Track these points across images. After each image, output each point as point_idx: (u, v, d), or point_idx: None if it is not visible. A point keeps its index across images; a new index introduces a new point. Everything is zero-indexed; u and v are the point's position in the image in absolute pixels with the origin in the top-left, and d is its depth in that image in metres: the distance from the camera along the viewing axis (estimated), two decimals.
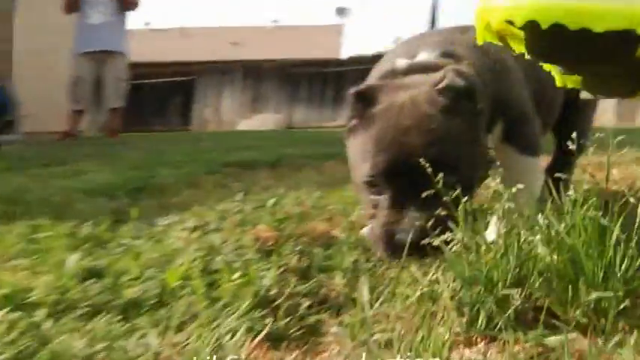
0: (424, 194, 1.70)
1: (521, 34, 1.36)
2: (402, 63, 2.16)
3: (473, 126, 1.93)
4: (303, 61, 23.41)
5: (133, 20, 18.51)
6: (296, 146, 6.75)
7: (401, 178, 1.83)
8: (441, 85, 1.89)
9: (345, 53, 30.60)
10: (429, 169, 1.66)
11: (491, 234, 1.77)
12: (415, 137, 1.83)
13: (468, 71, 1.97)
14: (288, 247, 2.21)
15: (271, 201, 3.06)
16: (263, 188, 3.88)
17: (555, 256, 1.49)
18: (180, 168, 5.13)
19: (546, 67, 1.56)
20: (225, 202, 3.23)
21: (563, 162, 2.90)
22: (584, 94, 1.78)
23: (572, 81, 1.55)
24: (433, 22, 45.28)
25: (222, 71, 23.48)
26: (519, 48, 1.44)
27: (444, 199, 1.64)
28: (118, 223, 2.94)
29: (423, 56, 2.15)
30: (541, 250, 1.51)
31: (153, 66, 23.97)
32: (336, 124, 21.35)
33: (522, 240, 1.57)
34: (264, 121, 20.50)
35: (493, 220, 2.00)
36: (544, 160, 2.79)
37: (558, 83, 1.61)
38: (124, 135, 10.72)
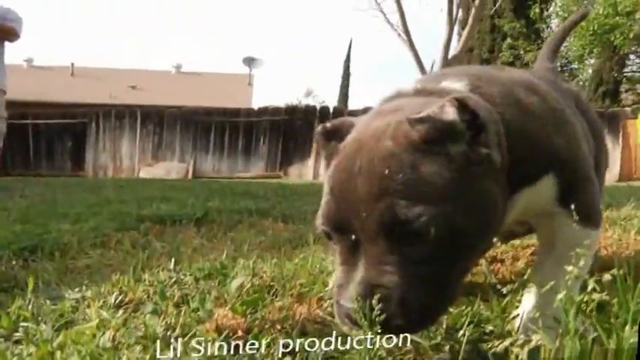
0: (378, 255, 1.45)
1: None
2: (409, 86, 1.83)
3: (465, 175, 1.47)
4: (210, 110, 23.14)
5: (12, 54, 17.65)
6: (218, 199, 6.22)
7: (350, 233, 1.49)
8: (418, 115, 1.49)
9: (255, 103, 30.84)
10: (384, 226, 1.42)
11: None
12: (366, 182, 1.46)
13: (479, 102, 1.54)
14: (264, 338, 1.71)
15: (218, 270, 2.48)
16: (196, 251, 3.29)
17: None
18: (83, 222, 4.50)
19: None
20: (152, 270, 2.60)
21: None
22: None
23: None
24: (347, 74, 46.66)
25: (119, 115, 22.85)
26: None
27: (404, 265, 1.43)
28: (4, 295, 2.41)
29: (444, 84, 1.78)
30: None
31: (39, 106, 23.34)
32: (248, 175, 21.09)
33: None
34: (168, 169, 20.02)
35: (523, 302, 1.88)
36: None
37: None
38: (6, 179, 9.89)
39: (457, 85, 1.73)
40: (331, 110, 24.01)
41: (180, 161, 22.25)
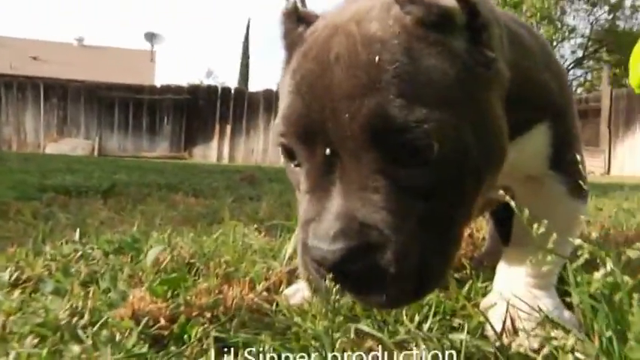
0: (367, 175, 1.02)
1: None
2: None
3: (471, 78, 1.08)
4: (114, 85, 22.33)
5: None
6: (125, 173, 5.78)
7: (323, 144, 1.05)
8: None
9: (158, 81, 30.19)
10: (373, 133, 1.00)
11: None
12: (348, 73, 1.03)
13: (493, 8, 1.18)
14: (194, 330, 1.34)
15: (129, 244, 2.11)
16: (104, 224, 2.89)
17: None
18: None
19: None
20: (55, 242, 2.20)
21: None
22: None
23: None
24: (246, 55, 45.97)
25: (21, 87, 21.75)
26: None
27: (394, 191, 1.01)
28: None
29: None
30: None
31: None
32: (154, 155, 20.45)
33: None
34: (74, 146, 19.23)
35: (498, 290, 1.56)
36: None
37: None
38: None
39: None
40: (232, 91, 23.50)
41: (86, 138, 21.37)
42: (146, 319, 1.34)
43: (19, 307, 1.50)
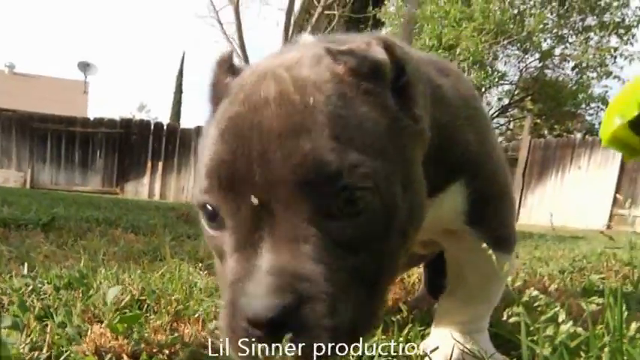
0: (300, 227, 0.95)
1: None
2: (309, 37, 1.38)
3: (399, 130, 1.07)
4: (47, 117, 21.81)
5: None
6: (63, 207, 5.69)
7: (249, 193, 0.97)
8: (341, 47, 1.08)
9: (90, 112, 29.65)
10: (306, 178, 0.93)
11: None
12: (279, 114, 0.98)
13: (405, 52, 1.15)
14: None
15: (78, 280, 2.12)
16: (48, 258, 2.87)
17: None
18: None
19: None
20: (3, 276, 2.19)
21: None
22: None
23: None
24: (179, 90, 45.59)
25: None
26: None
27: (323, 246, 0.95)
28: None
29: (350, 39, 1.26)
30: None
31: None
32: (86, 189, 20.04)
33: None
34: (6, 177, 18.70)
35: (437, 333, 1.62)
36: None
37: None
38: None
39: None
40: (165, 127, 23.32)
41: (18, 170, 20.75)
42: (109, 355, 1.35)
43: None
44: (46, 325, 1.65)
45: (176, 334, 1.57)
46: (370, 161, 0.96)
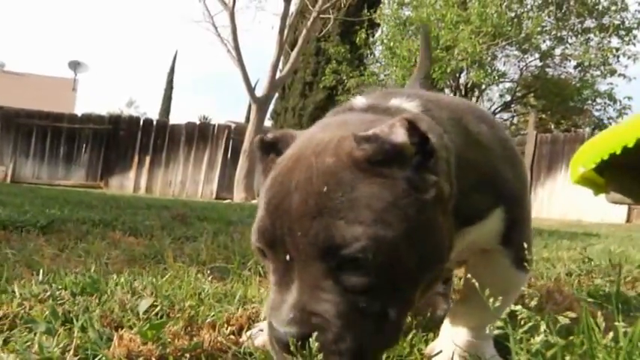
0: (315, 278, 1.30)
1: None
2: (361, 101, 1.67)
3: (409, 201, 1.33)
4: (33, 113, 21.90)
5: None
6: (57, 208, 5.80)
7: (284, 251, 1.34)
8: (365, 133, 1.35)
9: (79, 110, 29.64)
10: (319, 248, 1.28)
11: None
12: (302, 199, 1.32)
13: (431, 125, 1.42)
14: None
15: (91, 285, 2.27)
16: (53, 262, 3.01)
17: None
18: None
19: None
20: (19, 281, 2.34)
21: None
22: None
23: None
24: (170, 86, 45.70)
25: None
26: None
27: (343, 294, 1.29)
28: None
29: (395, 102, 1.62)
30: None
31: None
32: (69, 183, 20.14)
33: None
34: None
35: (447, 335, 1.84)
36: None
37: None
38: None
39: (408, 105, 1.59)
40: (154, 123, 23.43)
41: (1, 165, 20.83)
42: (141, 359, 1.52)
43: (4, 343, 1.66)
44: (69, 329, 1.81)
45: (196, 340, 1.73)
46: (372, 232, 1.26)
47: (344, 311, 1.28)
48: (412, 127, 1.32)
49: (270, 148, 1.55)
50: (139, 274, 2.71)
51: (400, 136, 1.32)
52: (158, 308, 2.12)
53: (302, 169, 1.35)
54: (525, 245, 1.69)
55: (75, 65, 36.19)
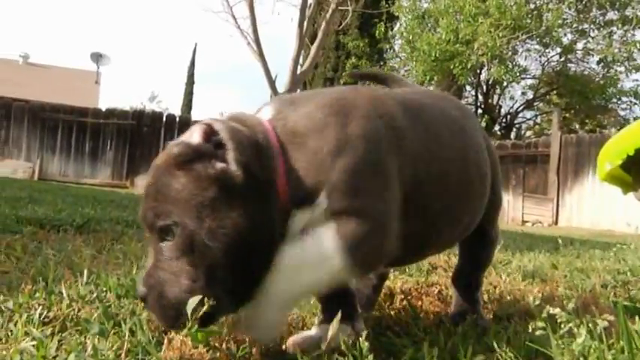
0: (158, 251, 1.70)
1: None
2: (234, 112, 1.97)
3: (208, 186, 1.68)
4: (58, 107, 22.00)
5: None
6: (90, 207, 5.89)
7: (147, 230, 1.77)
8: (176, 140, 1.78)
9: (102, 103, 29.69)
10: (150, 225, 1.71)
11: None
12: (146, 189, 1.76)
13: (226, 126, 1.73)
14: None
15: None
16: (93, 263, 3.10)
17: None
18: None
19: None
20: (65, 282, 2.41)
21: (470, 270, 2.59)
22: None
23: None
24: (191, 81, 45.70)
25: None
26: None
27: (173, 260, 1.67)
28: None
29: (265, 108, 1.95)
30: None
31: None
32: (95, 182, 20.26)
33: None
34: (15, 167, 18.89)
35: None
36: None
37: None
38: None
39: (266, 110, 1.90)
40: (177, 118, 23.53)
41: (27, 160, 20.99)
42: None
43: (59, 344, 1.74)
44: (118, 332, 1.88)
45: (245, 344, 1.79)
46: (177, 212, 1.65)
47: (165, 276, 1.66)
48: (209, 129, 1.70)
49: None
50: None
51: (196, 137, 1.70)
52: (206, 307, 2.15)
53: (153, 165, 1.76)
54: (355, 243, 1.75)
55: (97, 57, 36.04)
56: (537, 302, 1.62)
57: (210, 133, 1.70)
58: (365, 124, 1.84)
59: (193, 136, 1.71)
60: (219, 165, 1.67)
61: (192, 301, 1.60)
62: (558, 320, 1.42)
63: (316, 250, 1.75)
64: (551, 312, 1.47)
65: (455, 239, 2.39)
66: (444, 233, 2.21)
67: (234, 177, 1.66)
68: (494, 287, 3.18)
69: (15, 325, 1.94)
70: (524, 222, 18.91)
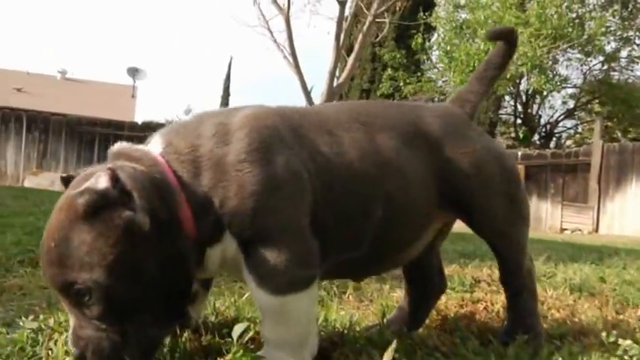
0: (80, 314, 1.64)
1: None
2: (117, 146, 1.93)
3: (118, 238, 1.60)
4: (95, 121, 22.27)
5: None
6: None
7: (59, 294, 1.69)
8: (79, 189, 1.63)
9: (138, 116, 29.99)
10: (63, 289, 1.62)
11: None
12: (46, 253, 1.64)
13: (130, 172, 1.68)
14: None
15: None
16: None
17: None
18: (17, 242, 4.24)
19: None
20: None
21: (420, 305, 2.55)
22: None
23: None
24: (226, 93, 45.94)
25: (5, 119, 21.58)
26: None
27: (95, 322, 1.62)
28: None
29: (153, 141, 1.93)
30: None
31: None
32: None
33: None
34: (52, 179, 19.08)
35: None
36: None
37: None
38: None
39: (155, 143, 1.88)
40: None
41: (64, 172, 21.14)
42: None
43: None
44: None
45: None
46: (89, 274, 1.57)
47: (94, 334, 1.61)
48: (113, 175, 1.61)
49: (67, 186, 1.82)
50: (219, 295, 2.75)
51: (102, 184, 1.60)
52: (252, 333, 2.09)
53: (49, 223, 1.67)
54: (276, 264, 1.74)
55: (133, 72, 36.50)
56: (612, 339, 1.54)
57: (115, 178, 1.61)
58: (250, 143, 1.82)
59: (99, 181, 1.61)
60: (127, 214, 1.61)
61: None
62: (629, 352, 1.35)
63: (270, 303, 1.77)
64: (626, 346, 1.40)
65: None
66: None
67: (142, 224, 1.61)
68: (542, 303, 3.09)
69: (55, 343, 1.95)
70: (562, 230, 18.79)
